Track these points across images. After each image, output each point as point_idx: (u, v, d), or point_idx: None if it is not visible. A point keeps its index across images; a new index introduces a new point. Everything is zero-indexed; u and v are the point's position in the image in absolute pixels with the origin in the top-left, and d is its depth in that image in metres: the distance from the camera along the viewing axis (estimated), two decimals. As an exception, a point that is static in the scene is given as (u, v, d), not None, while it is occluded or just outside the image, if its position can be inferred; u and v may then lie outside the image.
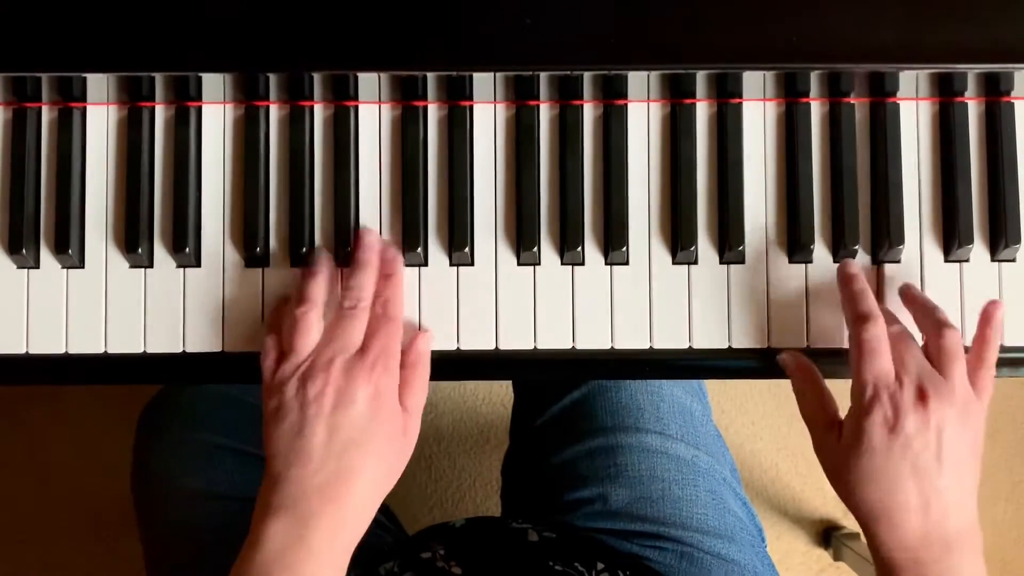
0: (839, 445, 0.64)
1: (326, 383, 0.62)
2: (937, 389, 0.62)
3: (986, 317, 0.67)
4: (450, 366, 0.70)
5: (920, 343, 0.66)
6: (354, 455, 0.62)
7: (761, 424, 1.47)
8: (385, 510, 0.96)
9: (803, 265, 0.70)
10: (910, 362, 0.63)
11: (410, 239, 0.69)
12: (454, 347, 0.70)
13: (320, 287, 0.67)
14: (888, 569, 0.63)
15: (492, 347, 0.70)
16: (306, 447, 0.61)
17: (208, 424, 0.85)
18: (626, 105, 0.71)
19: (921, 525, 0.61)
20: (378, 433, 0.63)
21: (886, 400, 0.62)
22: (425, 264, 0.70)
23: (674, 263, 0.70)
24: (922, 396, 0.62)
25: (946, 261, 0.71)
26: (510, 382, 1.14)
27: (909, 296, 0.68)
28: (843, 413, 0.66)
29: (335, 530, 0.61)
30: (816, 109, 0.71)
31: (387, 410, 0.64)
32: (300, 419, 0.62)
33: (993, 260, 0.71)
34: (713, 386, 0.98)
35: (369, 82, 0.71)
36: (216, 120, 0.71)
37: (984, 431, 0.64)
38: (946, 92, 0.71)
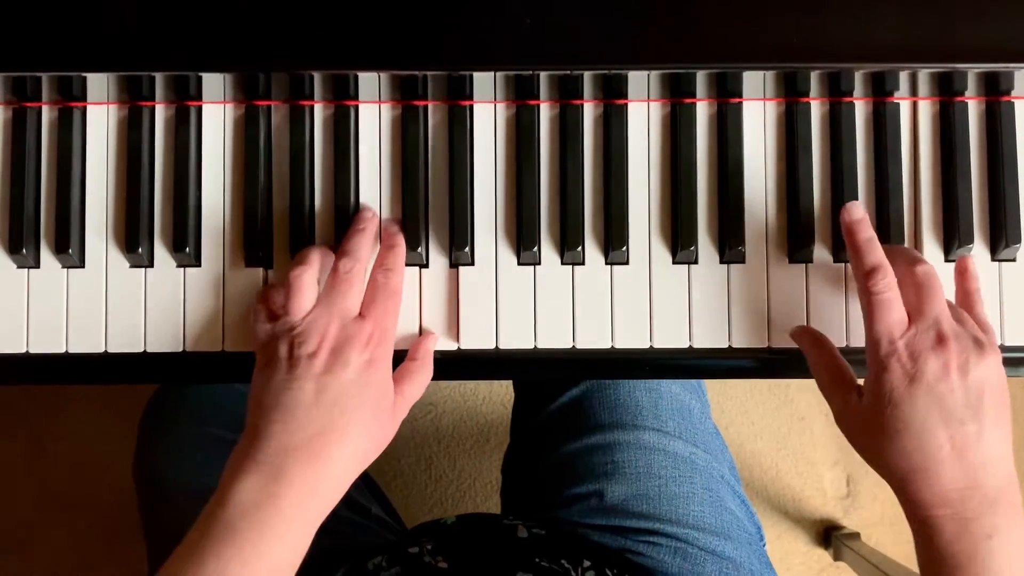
0: (861, 407, 0.62)
1: (320, 344, 0.62)
2: (957, 336, 0.60)
3: (962, 268, 0.67)
4: (450, 366, 0.70)
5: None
6: (338, 419, 0.61)
7: (761, 424, 1.47)
8: (387, 509, 0.96)
9: (803, 265, 0.70)
10: (929, 307, 0.61)
11: (410, 239, 0.69)
12: (454, 347, 0.70)
13: (315, 253, 0.67)
14: (926, 531, 0.59)
15: (492, 347, 0.70)
16: (291, 404, 0.60)
17: (212, 419, 0.85)
18: (626, 105, 0.71)
19: (959, 474, 0.58)
20: (366, 402, 0.62)
21: (903, 350, 0.60)
22: (425, 264, 0.70)
23: (674, 263, 0.70)
24: (941, 339, 0.60)
25: (946, 260, 0.71)
26: (510, 382, 1.14)
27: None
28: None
29: (307, 494, 0.59)
30: (816, 109, 0.71)
31: (378, 380, 0.63)
32: (289, 377, 0.61)
33: (993, 260, 0.71)
34: (713, 386, 0.98)
35: (369, 82, 0.71)
36: (216, 120, 0.71)
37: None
38: (946, 92, 0.71)
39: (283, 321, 0.64)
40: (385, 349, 0.64)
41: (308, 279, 0.64)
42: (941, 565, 0.58)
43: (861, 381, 0.65)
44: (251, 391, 0.63)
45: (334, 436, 0.61)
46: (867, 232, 0.64)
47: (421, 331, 0.70)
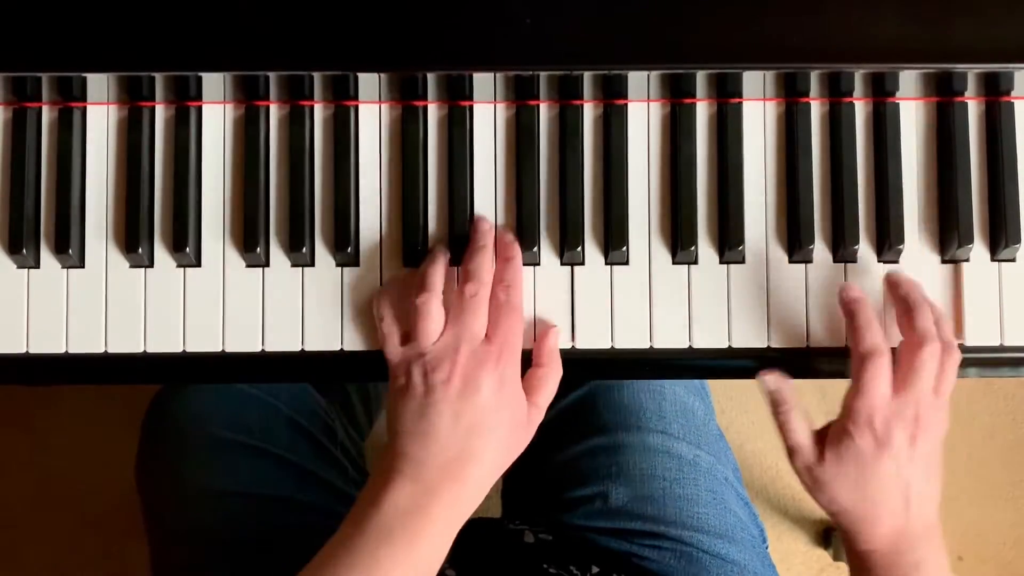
0: (823, 457, 0.66)
1: (452, 371, 0.63)
2: (930, 411, 0.65)
3: (891, 282, 0.68)
4: (450, 366, 0.70)
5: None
6: (476, 442, 0.63)
7: (762, 424, 1.47)
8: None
9: (803, 265, 0.70)
10: (919, 389, 0.64)
11: (411, 238, 0.69)
12: (454, 347, 0.70)
13: (438, 274, 0.67)
14: (862, 562, 0.67)
15: (492, 347, 0.70)
16: (431, 430, 0.63)
17: (214, 419, 0.85)
18: (626, 105, 0.71)
19: (901, 523, 0.65)
20: (502, 422, 0.64)
21: (879, 425, 0.64)
22: (425, 264, 0.70)
23: (674, 263, 0.70)
24: (917, 420, 0.64)
25: (945, 261, 0.71)
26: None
27: (910, 299, 0.67)
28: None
29: (453, 505, 0.63)
30: (816, 109, 0.71)
31: (511, 399, 0.65)
32: (426, 403, 0.63)
33: (993, 260, 0.71)
34: (714, 386, 0.98)
35: (369, 82, 0.71)
36: (216, 120, 0.71)
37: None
38: (946, 92, 0.71)
39: (413, 346, 0.65)
40: (514, 368, 0.65)
41: (435, 305, 0.65)
42: None
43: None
44: (389, 411, 0.65)
45: (472, 459, 0.63)
46: (866, 316, 0.66)
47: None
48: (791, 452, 0.67)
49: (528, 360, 0.68)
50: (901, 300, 0.67)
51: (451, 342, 0.64)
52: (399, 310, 0.68)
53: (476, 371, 0.63)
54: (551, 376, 0.68)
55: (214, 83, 0.71)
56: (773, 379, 0.68)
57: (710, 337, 0.70)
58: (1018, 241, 0.69)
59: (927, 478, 0.65)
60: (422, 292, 0.66)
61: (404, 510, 0.62)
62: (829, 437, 0.66)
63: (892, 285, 0.68)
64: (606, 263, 0.70)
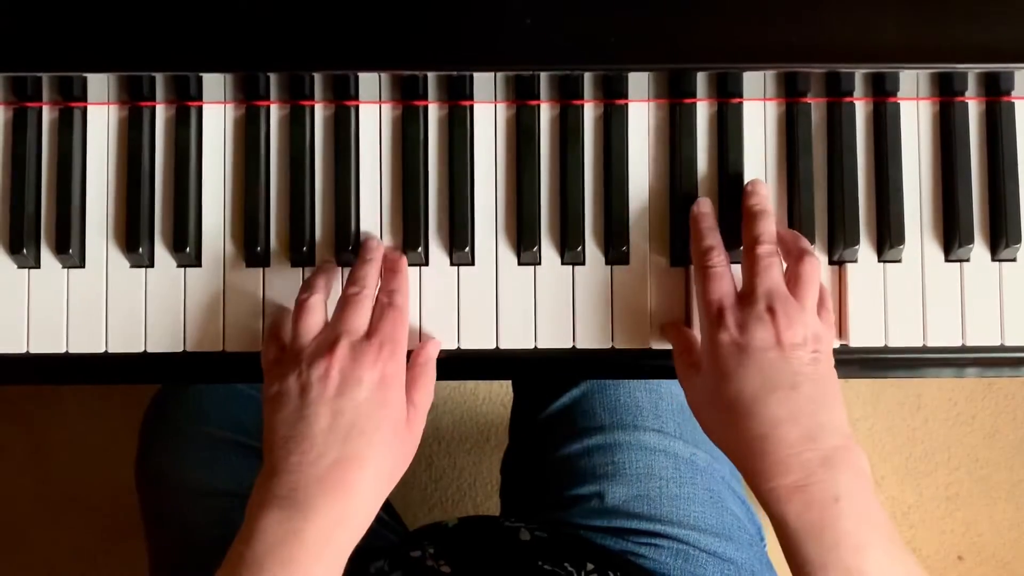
0: (701, 383, 0.63)
1: (330, 365, 0.61)
2: (786, 308, 0.61)
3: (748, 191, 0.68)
4: (450, 366, 0.70)
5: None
6: (358, 443, 0.60)
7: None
8: (388, 509, 0.96)
9: (803, 265, 0.70)
10: (761, 281, 0.62)
11: (411, 239, 0.70)
12: (454, 347, 0.70)
13: (323, 278, 0.67)
14: (772, 508, 0.59)
15: (492, 347, 0.70)
16: (307, 432, 0.59)
17: (213, 418, 0.85)
18: (626, 105, 0.71)
19: (795, 438, 0.58)
20: (384, 421, 0.61)
21: (731, 320, 0.61)
22: (426, 264, 0.70)
23: (673, 263, 0.70)
24: (771, 312, 0.61)
25: (946, 261, 0.71)
26: (510, 382, 1.14)
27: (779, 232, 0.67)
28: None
29: (334, 525, 0.59)
30: (816, 109, 0.71)
31: (393, 398, 0.62)
32: (301, 403, 0.60)
33: (993, 260, 0.71)
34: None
35: (369, 82, 0.71)
36: (216, 120, 0.71)
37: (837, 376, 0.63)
38: (946, 92, 0.71)
39: (291, 346, 0.63)
40: (396, 365, 0.63)
41: (315, 301, 0.64)
42: (797, 542, 0.57)
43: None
44: (265, 424, 0.62)
45: (355, 462, 0.59)
46: (709, 222, 0.68)
47: (421, 330, 0.70)
48: (680, 380, 0.66)
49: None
50: (747, 209, 0.67)
51: (329, 337, 0.62)
52: (284, 324, 0.67)
53: (355, 366, 0.61)
54: (426, 376, 0.66)
55: (214, 83, 0.71)
56: (667, 324, 0.68)
57: (710, 337, 0.70)
58: (1018, 241, 0.69)
59: (818, 386, 0.59)
60: (303, 291, 0.65)
61: (275, 540, 0.57)
62: (701, 353, 0.64)
63: (746, 193, 0.68)
64: (606, 263, 0.70)
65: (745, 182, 0.70)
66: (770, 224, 0.66)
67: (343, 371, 0.61)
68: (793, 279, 0.64)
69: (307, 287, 0.66)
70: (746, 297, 0.63)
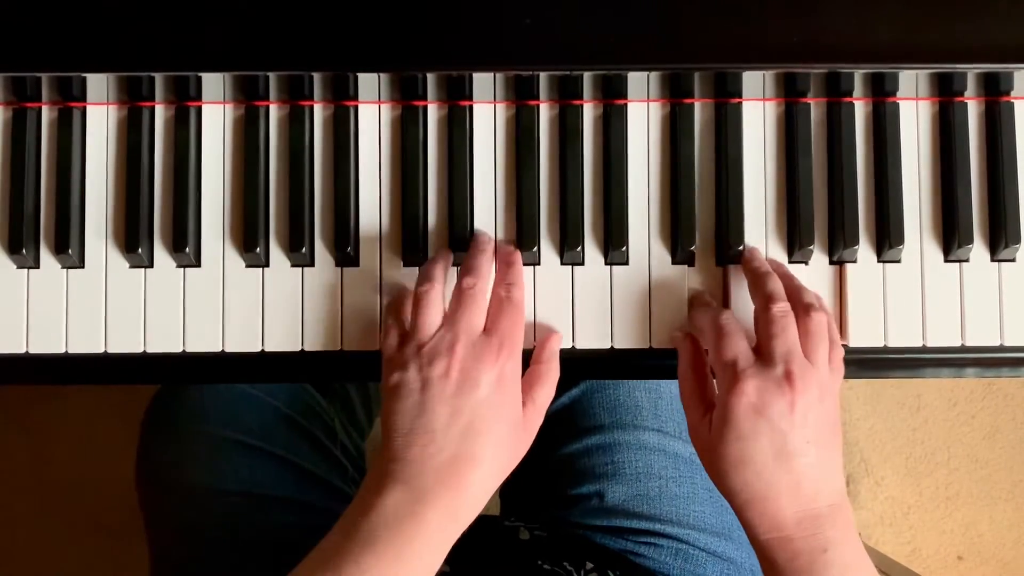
0: (710, 432, 0.64)
1: (450, 364, 0.61)
2: (803, 372, 0.62)
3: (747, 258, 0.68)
4: (450, 366, 0.70)
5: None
6: (474, 441, 0.61)
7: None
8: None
9: (802, 265, 0.70)
10: (779, 344, 0.62)
11: (410, 239, 0.69)
12: (454, 347, 0.70)
13: (440, 268, 0.67)
14: (766, 552, 0.62)
15: (492, 347, 0.70)
16: (427, 427, 0.61)
17: (214, 418, 0.85)
18: (626, 105, 0.71)
19: (793, 505, 0.61)
20: (500, 420, 0.62)
21: (750, 385, 0.61)
22: (425, 264, 0.70)
23: (673, 263, 0.70)
24: (789, 379, 0.61)
25: (946, 261, 0.71)
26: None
27: (780, 273, 0.68)
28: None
29: (448, 514, 0.60)
30: (816, 109, 0.71)
31: (510, 397, 0.63)
32: (422, 399, 0.61)
33: (993, 260, 0.71)
34: (713, 386, 0.98)
35: (369, 82, 0.71)
36: (216, 120, 0.71)
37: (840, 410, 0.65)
38: (946, 92, 0.71)
39: (410, 340, 0.64)
40: (514, 363, 0.64)
41: (435, 295, 0.64)
42: None
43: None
44: (384, 408, 0.63)
45: (471, 461, 0.61)
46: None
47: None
48: (686, 410, 0.66)
49: (528, 361, 0.68)
50: (751, 272, 0.67)
51: (448, 335, 0.63)
52: (404, 310, 0.67)
53: (474, 366, 0.62)
54: (549, 374, 0.67)
55: (214, 83, 0.71)
56: (681, 334, 0.68)
57: (710, 337, 0.70)
58: (1018, 241, 0.69)
59: (821, 451, 0.62)
60: (423, 283, 0.65)
61: (394, 516, 0.59)
62: (713, 413, 0.64)
63: (745, 259, 0.68)
64: (606, 263, 0.70)
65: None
66: (778, 283, 0.66)
67: (463, 371, 0.62)
68: (803, 335, 0.64)
69: (425, 278, 0.65)
70: (764, 358, 0.63)
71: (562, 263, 0.70)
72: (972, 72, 0.70)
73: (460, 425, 0.61)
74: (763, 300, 0.65)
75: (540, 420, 0.66)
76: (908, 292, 0.70)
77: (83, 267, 0.71)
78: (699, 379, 0.67)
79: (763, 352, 0.63)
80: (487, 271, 0.67)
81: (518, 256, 0.69)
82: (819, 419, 0.62)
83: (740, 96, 0.71)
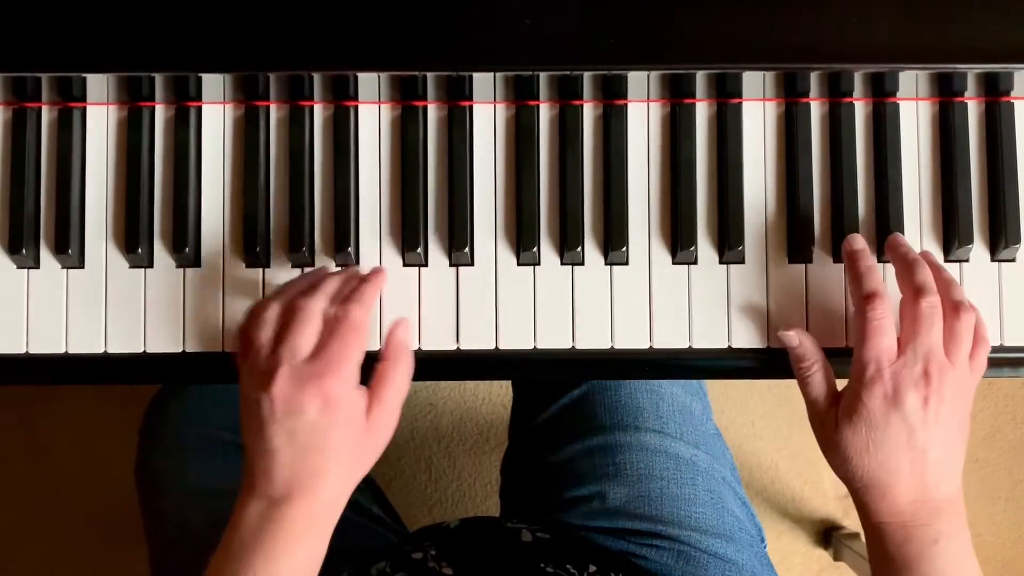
0: (836, 417, 0.64)
1: (271, 391, 0.61)
2: (941, 372, 0.62)
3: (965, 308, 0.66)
4: (450, 366, 0.70)
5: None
6: (314, 458, 0.61)
7: (761, 424, 1.47)
8: (388, 509, 0.96)
9: (802, 265, 0.70)
10: (922, 341, 0.63)
11: (410, 239, 0.69)
12: (454, 347, 0.70)
13: (289, 286, 0.66)
14: (878, 534, 0.64)
15: (492, 347, 0.70)
16: (267, 448, 0.61)
17: (213, 419, 0.85)
18: (626, 105, 0.71)
19: (913, 491, 0.63)
20: (336, 439, 0.62)
21: (888, 377, 0.62)
22: (425, 264, 0.70)
23: (674, 263, 0.70)
24: (926, 377, 0.62)
25: (946, 261, 0.71)
26: (510, 382, 1.14)
27: (930, 263, 0.67)
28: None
29: (309, 515, 0.62)
30: (816, 109, 0.71)
31: (344, 414, 0.62)
32: (259, 420, 0.61)
33: (993, 260, 0.71)
34: (713, 386, 0.98)
35: (369, 82, 0.71)
36: (216, 120, 0.71)
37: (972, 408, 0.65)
38: (946, 92, 0.71)
39: (250, 355, 0.63)
40: (343, 384, 0.62)
41: (269, 314, 0.63)
42: (890, 564, 0.63)
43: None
44: (240, 423, 0.64)
45: (316, 476, 0.62)
46: (868, 261, 0.66)
47: (420, 331, 0.70)
48: (809, 410, 0.67)
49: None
50: (900, 258, 0.66)
51: (272, 359, 0.62)
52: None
53: (294, 394, 0.60)
54: (397, 369, 0.65)
55: (214, 83, 0.71)
56: (794, 334, 0.68)
57: (710, 337, 0.70)
58: (1018, 241, 0.69)
59: (946, 448, 0.63)
60: (259, 301, 0.65)
61: (257, 523, 0.61)
62: (842, 399, 0.65)
63: (892, 246, 0.67)
64: (606, 263, 0.70)
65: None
66: (928, 274, 0.65)
67: (285, 399, 0.61)
68: (947, 333, 0.64)
69: (266, 298, 0.64)
70: (905, 353, 0.63)
71: (562, 263, 0.70)
72: (972, 72, 0.70)
73: (297, 445, 0.61)
74: (913, 291, 0.64)
75: (394, 416, 0.65)
76: (908, 292, 0.70)
77: (83, 267, 0.71)
78: (825, 375, 0.67)
79: (905, 345, 0.63)
80: (330, 290, 0.64)
81: (372, 275, 0.67)
82: (950, 417, 0.63)
83: (740, 96, 0.71)
